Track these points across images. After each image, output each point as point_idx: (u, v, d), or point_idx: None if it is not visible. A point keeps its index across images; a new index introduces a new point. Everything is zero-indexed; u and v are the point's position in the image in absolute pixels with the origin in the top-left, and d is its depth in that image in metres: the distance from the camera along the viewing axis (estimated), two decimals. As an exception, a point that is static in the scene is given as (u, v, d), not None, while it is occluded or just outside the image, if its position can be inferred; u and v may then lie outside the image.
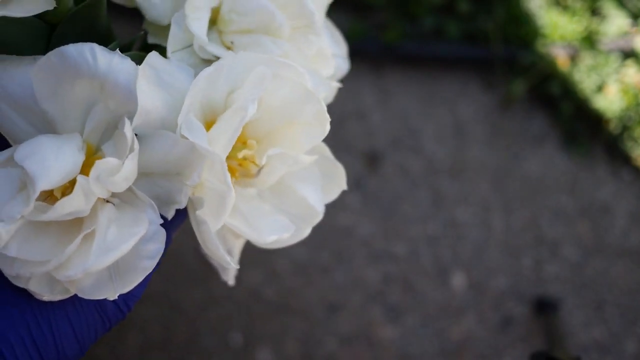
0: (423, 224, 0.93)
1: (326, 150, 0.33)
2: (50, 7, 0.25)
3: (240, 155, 0.29)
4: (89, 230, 0.24)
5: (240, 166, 0.30)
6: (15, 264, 0.24)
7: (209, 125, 0.28)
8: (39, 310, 0.26)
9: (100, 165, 0.23)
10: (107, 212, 0.25)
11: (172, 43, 0.29)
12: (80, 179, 0.23)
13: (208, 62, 0.30)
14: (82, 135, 0.26)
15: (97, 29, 0.30)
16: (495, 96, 1.03)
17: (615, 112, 0.99)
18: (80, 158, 0.24)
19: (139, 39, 0.33)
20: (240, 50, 0.30)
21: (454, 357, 0.86)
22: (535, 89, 1.03)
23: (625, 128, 1.01)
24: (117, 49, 0.25)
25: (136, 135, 0.26)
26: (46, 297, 0.26)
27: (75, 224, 0.25)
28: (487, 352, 0.87)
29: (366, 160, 0.95)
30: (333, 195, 0.34)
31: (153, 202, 0.26)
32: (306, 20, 0.31)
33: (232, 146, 0.26)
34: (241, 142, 0.29)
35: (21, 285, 0.25)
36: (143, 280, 0.26)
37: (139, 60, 0.27)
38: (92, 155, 0.26)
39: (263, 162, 0.28)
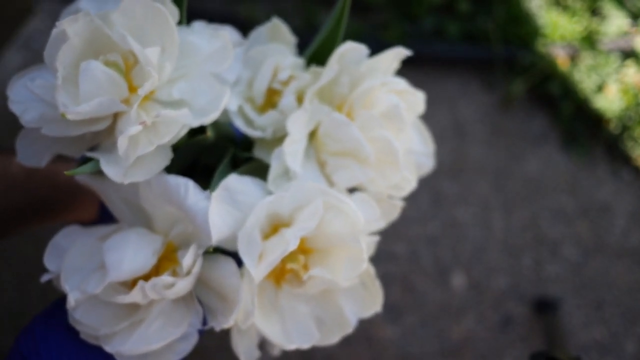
0: (423, 224, 0.93)
1: (371, 271, 0.35)
2: (167, 164, 0.30)
3: (289, 266, 0.32)
4: (138, 319, 0.30)
5: (292, 271, 0.34)
6: (75, 322, 0.30)
7: (275, 229, 0.33)
8: (83, 347, 0.31)
9: (156, 280, 0.28)
10: (160, 306, 0.30)
11: (273, 174, 0.34)
12: (141, 283, 0.28)
13: None
14: (167, 236, 0.31)
15: (205, 150, 0.37)
16: (495, 96, 1.03)
17: (615, 112, 0.99)
18: (151, 261, 0.29)
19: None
20: (331, 169, 0.35)
21: (454, 357, 0.86)
22: (535, 89, 1.03)
23: (625, 128, 1.01)
24: (208, 192, 0.30)
25: (215, 250, 0.31)
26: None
27: (135, 308, 0.30)
28: (487, 352, 0.87)
29: (366, 160, 0.95)
30: (367, 313, 0.36)
31: (201, 309, 0.31)
32: (392, 157, 0.34)
33: (271, 269, 0.30)
34: (300, 250, 0.33)
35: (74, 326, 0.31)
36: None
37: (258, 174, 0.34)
38: (172, 252, 0.31)
39: (305, 278, 0.32)
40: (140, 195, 0.30)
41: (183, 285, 0.29)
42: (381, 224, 0.34)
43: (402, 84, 0.36)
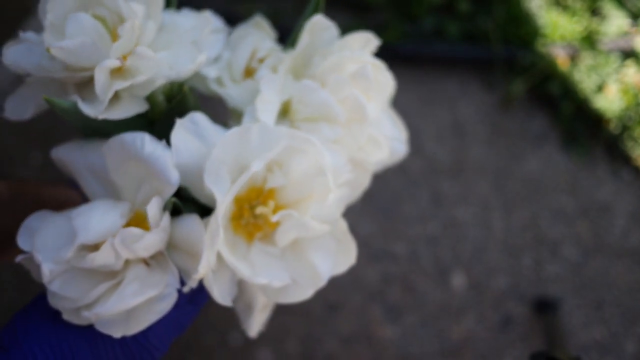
0: (423, 224, 0.93)
1: (343, 226, 0.36)
2: (142, 110, 0.32)
3: (258, 211, 0.33)
4: (115, 282, 0.30)
5: (262, 227, 0.34)
6: (54, 297, 0.30)
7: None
8: (63, 332, 0.31)
9: (124, 232, 0.28)
10: (135, 270, 0.30)
11: None
12: (110, 239, 0.28)
13: None
14: (135, 203, 0.31)
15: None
16: (495, 96, 1.03)
17: (615, 112, 0.99)
18: (119, 223, 0.29)
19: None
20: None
21: (454, 357, 0.86)
22: (535, 89, 1.03)
23: (625, 128, 1.01)
24: (164, 141, 0.30)
25: (178, 212, 0.31)
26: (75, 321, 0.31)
27: (110, 275, 0.31)
28: (487, 352, 0.87)
29: (366, 160, 0.95)
30: (342, 268, 0.36)
31: (176, 270, 0.31)
32: (359, 114, 0.36)
33: (234, 195, 0.30)
34: (273, 201, 0.33)
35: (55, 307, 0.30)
36: (166, 338, 0.32)
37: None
38: (142, 221, 0.31)
39: (274, 219, 0.32)
40: (107, 165, 0.31)
41: (152, 239, 0.29)
42: (349, 173, 0.35)
43: (372, 58, 0.37)
